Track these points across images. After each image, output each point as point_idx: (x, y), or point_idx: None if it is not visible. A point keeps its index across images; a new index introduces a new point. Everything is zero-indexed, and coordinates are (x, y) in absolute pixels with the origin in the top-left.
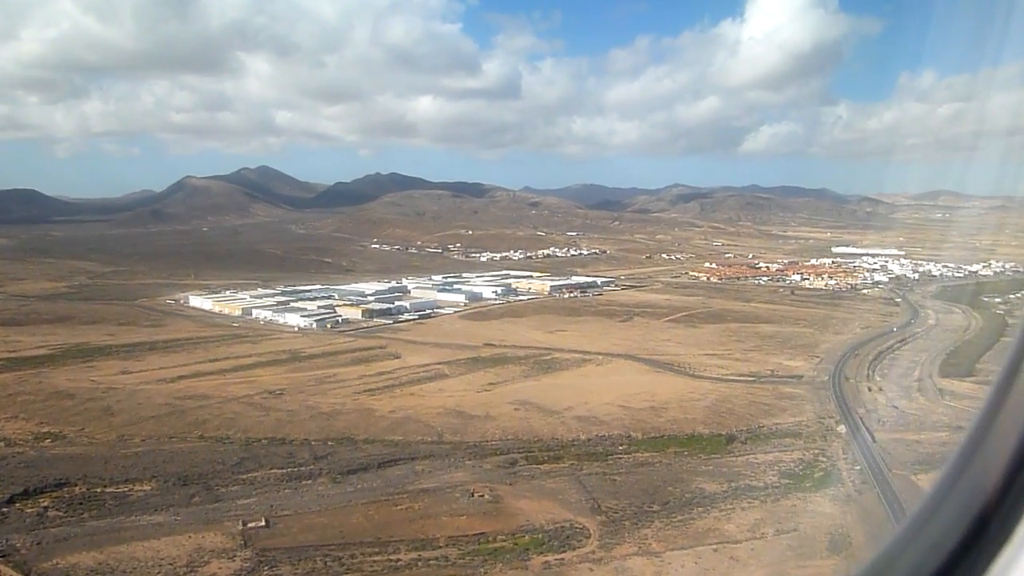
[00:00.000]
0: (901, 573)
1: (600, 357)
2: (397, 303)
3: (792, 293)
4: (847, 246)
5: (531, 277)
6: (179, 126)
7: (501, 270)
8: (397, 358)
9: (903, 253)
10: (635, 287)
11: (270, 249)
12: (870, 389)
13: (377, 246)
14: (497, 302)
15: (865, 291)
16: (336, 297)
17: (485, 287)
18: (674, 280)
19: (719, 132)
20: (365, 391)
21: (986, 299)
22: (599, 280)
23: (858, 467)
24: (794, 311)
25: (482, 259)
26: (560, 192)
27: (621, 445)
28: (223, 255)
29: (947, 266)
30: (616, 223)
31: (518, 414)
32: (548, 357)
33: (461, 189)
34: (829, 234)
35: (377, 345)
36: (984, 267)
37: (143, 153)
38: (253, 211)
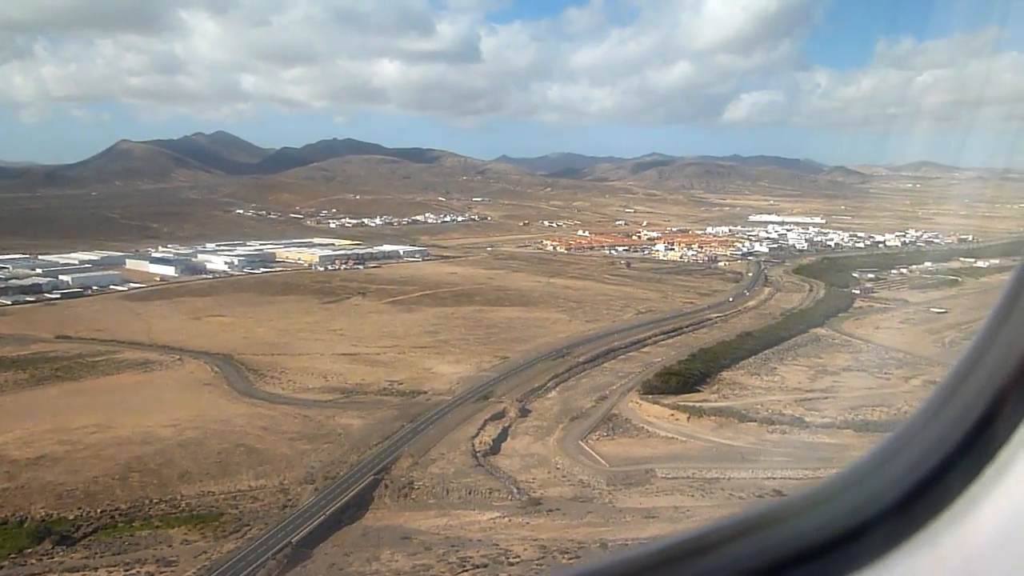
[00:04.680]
0: (898, 470)
1: (180, 358)
2: (51, 280)
3: (628, 266)
4: (773, 214)
5: (332, 244)
6: (141, 91)
7: (331, 237)
8: None
9: (823, 221)
10: (447, 258)
11: (112, 214)
12: (494, 419)
13: (242, 211)
14: (211, 277)
15: (721, 263)
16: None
17: (230, 258)
18: (516, 250)
19: (696, 100)
20: None
21: (857, 274)
22: (403, 250)
23: None
24: (591, 288)
25: (331, 225)
26: (536, 161)
27: None
28: (43, 220)
29: (857, 236)
30: (548, 189)
31: None
32: (101, 359)
33: (412, 155)
34: (771, 202)
35: None
36: (898, 237)
37: (113, 119)
38: (175, 176)
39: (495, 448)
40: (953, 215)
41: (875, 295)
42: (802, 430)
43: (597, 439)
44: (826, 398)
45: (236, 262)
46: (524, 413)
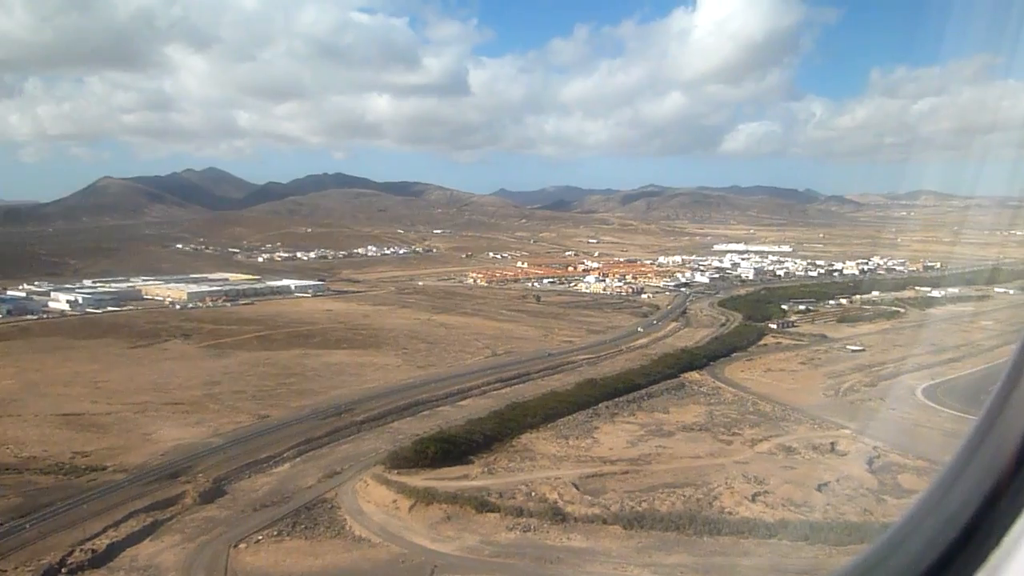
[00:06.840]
0: (897, 565)
1: None
2: None
3: (537, 300)
4: (743, 243)
5: (226, 279)
6: (135, 128)
7: (247, 271)
8: None
9: (790, 249)
10: (345, 292)
11: (41, 251)
12: (152, 508)
13: (182, 246)
14: (35, 318)
15: (645, 295)
16: None
17: (75, 296)
18: (434, 284)
19: (692, 131)
20: None
21: (787, 306)
22: (295, 284)
23: None
24: (472, 325)
25: (260, 259)
26: (534, 195)
27: None
28: None
29: (815, 264)
30: (523, 221)
31: None
32: None
33: (396, 189)
34: (751, 231)
35: None
36: (859, 264)
37: (113, 157)
38: (146, 212)
39: (105, 558)
40: (936, 242)
41: (793, 329)
42: (553, 526)
43: (260, 541)
44: (626, 474)
45: (80, 300)
46: (212, 497)
